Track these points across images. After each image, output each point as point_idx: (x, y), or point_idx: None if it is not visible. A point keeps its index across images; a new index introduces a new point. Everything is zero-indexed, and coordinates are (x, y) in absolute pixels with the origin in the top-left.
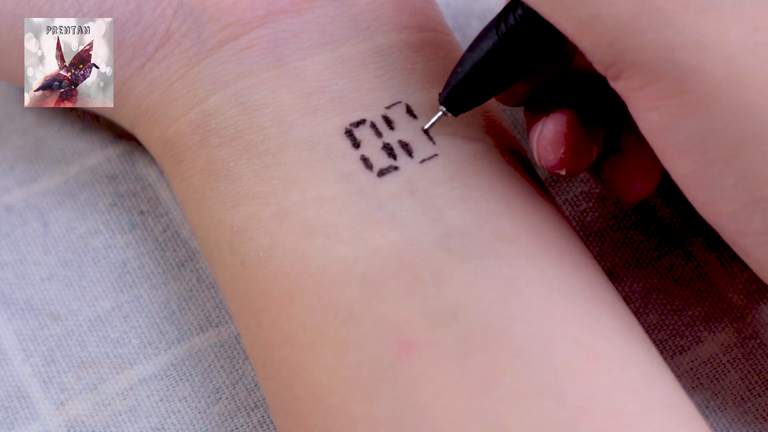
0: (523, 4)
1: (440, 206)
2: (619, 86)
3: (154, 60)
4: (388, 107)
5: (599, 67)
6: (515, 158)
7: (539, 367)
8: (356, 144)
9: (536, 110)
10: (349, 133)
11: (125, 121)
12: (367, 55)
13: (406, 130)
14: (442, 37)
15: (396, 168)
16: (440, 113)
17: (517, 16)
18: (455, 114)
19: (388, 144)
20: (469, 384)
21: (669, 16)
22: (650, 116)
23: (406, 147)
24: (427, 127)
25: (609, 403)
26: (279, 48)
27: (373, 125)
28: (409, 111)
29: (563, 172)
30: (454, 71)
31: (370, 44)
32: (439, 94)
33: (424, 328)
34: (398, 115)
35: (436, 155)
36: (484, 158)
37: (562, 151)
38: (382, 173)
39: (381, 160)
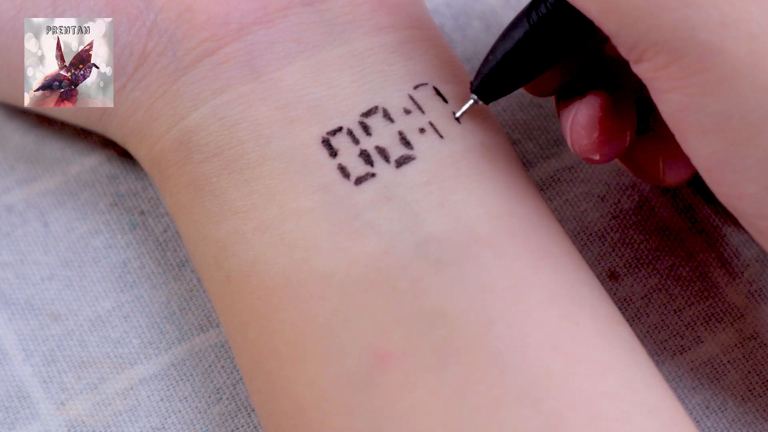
0: None
1: (417, 212)
2: (641, 68)
3: (134, 80)
4: (365, 113)
5: (623, 51)
6: (500, 156)
7: (516, 374)
8: (333, 153)
9: (567, 98)
10: (326, 142)
11: (116, 138)
12: (344, 60)
13: (382, 134)
14: (422, 33)
15: (373, 175)
16: (471, 101)
17: (548, 4)
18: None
19: (365, 150)
20: (445, 394)
21: None
22: (671, 96)
23: (382, 152)
24: (458, 115)
25: (587, 408)
26: (254, 60)
27: (350, 132)
28: (386, 114)
29: (597, 157)
30: (486, 60)
31: (346, 48)
32: (471, 83)
33: (401, 337)
34: (375, 119)
35: (413, 159)
36: (463, 159)
37: (595, 135)
38: (359, 181)
39: (358, 168)
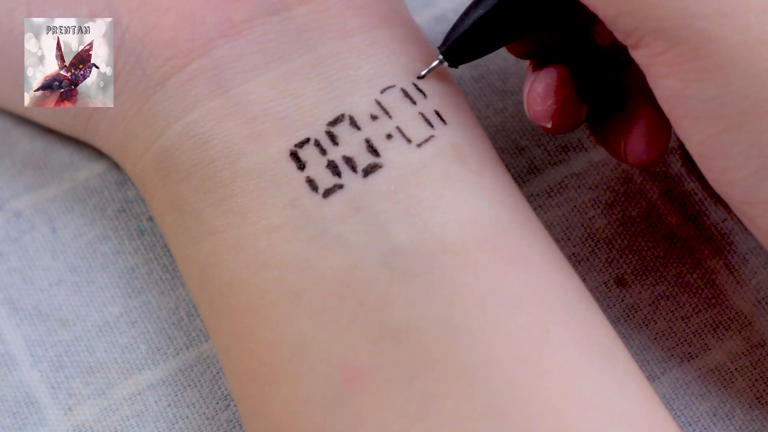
0: None
1: (384, 222)
2: (638, 54)
3: None
4: (331, 122)
5: (620, 36)
6: (472, 156)
7: (482, 388)
8: (301, 166)
9: (538, 64)
10: (294, 155)
11: (105, 153)
12: (309, 69)
13: (349, 143)
14: (392, 32)
15: (341, 186)
16: (436, 62)
17: None
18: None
19: (332, 161)
20: (411, 410)
21: None
22: (667, 82)
23: (350, 162)
24: (423, 73)
25: (555, 420)
26: (221, 75)
27: (317, 143)
28: (353, 122)
29: (549, 125)
30: (457, 23)
31: (312, 56)
32: (441, 46)
33: (368, 355)
34: (342, 128)
35: (380, 167)
36: (431, 164)
37: (549, 103)
38: (327, 194)
39: (326, 180)
